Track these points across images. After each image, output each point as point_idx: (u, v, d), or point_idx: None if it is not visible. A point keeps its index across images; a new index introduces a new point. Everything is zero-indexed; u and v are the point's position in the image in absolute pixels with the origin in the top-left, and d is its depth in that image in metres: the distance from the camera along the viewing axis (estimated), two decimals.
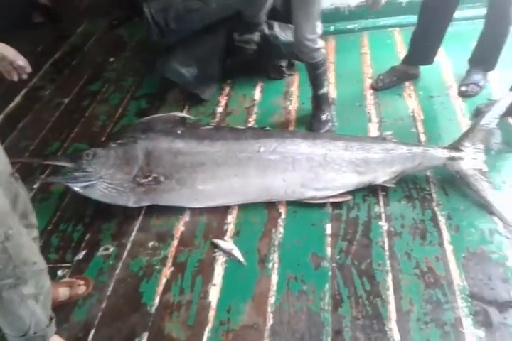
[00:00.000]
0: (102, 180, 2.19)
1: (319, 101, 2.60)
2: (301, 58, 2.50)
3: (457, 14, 2.89)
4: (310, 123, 2.62)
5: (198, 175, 2.20)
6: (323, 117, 2.59)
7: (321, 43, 2.38)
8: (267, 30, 2.87)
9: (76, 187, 2.21)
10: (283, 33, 2.88)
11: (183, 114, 2.46)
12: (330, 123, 2.60)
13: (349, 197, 2.15)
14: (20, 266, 1.42)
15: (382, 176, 2.15)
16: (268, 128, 2.50)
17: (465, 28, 3.09)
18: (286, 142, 2.23)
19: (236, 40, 2.75)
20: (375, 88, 2.85)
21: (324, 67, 2.50)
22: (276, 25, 2.88)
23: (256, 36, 2.72)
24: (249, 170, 2.18)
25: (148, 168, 2.21)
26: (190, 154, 2.23)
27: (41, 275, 1.53)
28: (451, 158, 2.12)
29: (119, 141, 2.29)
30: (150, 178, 2.18)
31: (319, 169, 2.16)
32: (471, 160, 2.11)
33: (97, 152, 2.24)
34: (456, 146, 2.15)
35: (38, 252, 1.56)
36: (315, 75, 2.51)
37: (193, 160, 2.21)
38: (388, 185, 2.14)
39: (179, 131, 2.30)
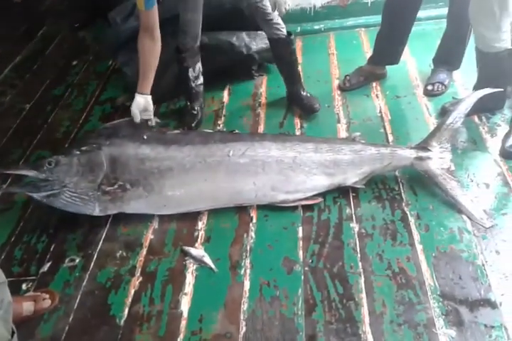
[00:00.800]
0: (65, 189, 2.11)
1: (298, 78, 2.69)
2: (275, 35, 2.49)
3: (421, 14, 2.94)
4: (297, 101, 2.69)
5: (166, 181, 2.14)
6: (307, 94, 2.69)
7: None
8: (236, 42, 2.86)
9: (39, 197, 2.13)
10: (253, 42, 2.88)
11: (148, 117, 2.39)
12: (316, 99, 2.69)
13: (320, 199, 2.14)
14: None
15: (351, 177, 2.15)
16: (237, 131, 2.47)
17: (430, 28, 3.15)
18: (255, 145, 2.20)
19: (191, 80, 2.68)
20: (343, 88, 2.85)
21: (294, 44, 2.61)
22: (244, 36, 2.87)
23: (200, 64, 2.68)
24: (218, 175, 2.15)
25: (113, 175, 2.14)
26: (157, 160, 2.17)
27: (0, 288, 1.46)
28: (419, 158, 2.13)
29: (82, 148, 2.21)
30: (116, 186, 2.12)
31: (289, 172, 2.14)
32: (438, 160, 2.13)
33: (59, 160, 2.16)
34: (423, 146, 2.17)
35: None
36: (292, 51, 2.58)
37: (161, 165, 2.15)
38: (358, 186, 2.14)
39: (145, 137, 2.24)
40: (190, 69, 2.62)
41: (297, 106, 2.71)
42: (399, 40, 2.72)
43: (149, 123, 2.33)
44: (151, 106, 2.29)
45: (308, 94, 2.69)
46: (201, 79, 2.70)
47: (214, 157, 2.16)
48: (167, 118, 2.78)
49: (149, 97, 2.27)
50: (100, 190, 2.12)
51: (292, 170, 2.14)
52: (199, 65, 2.64)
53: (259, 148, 2.18)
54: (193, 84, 2.67)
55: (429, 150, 2.14)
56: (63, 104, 3.10)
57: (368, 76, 2.85)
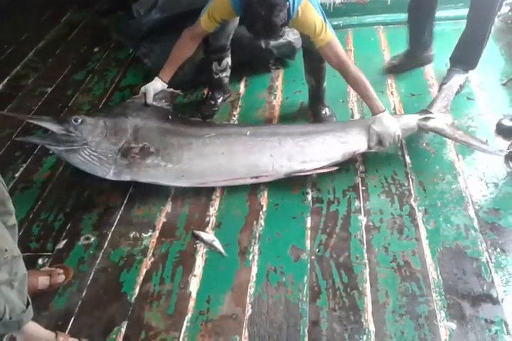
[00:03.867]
0: (86, 147, 2.16)
1: (321, 95, 2.64)
2: (312, 51, 2.46)
3: (441, 14, 2.98)
4: (315, 119, 2.64)
5: (184, 152, 2.22)
6: (327, 112, 2.64)
7: None
8: None
9: (57, 150, 2.19)
10: None
11: (172, 89, 2.47)
12: (334, 117, 2.64)
13: (335, 168, 2.21)
14: None
15: (364, 143, 2.22)
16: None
17: (448, 28, 3.17)
18: (271, 127, 2.44)
19: (214, 72, 2.73)
20: (391, 71, 2.93)
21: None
22: None
23: (229, 59, 2.73)
24: (236, 148, 2.25)
25: (135, 143, 2.22)
26: (178, 134, 2.29)
27: (14, 262, 1.52)
28: (424, 119, 2.29)
29: (109, 114, 2.31)
30: (140, 145, 2.19)
31: (304, 143, 2.24)
32: (441, 117, 2.32)
33: (86, 119, 2.23)
34: (425, 110, 2.37)
35: (10, 239, 1.55)
36: (320, 68, 2.52)
37: (181, 139, 2.26)
38: (373, 150, 2.22)
39: (170, 117, 2.37)
40: (215, 63, 2.67)
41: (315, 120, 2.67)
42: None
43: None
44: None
45: (328, 113, 2.64)
46: (228, 72, 2.75)
47: (232, 135, 2.29)
48: (184, 107, 2.83)
49: (165, 86, 2.39)
50: (120, 153, 2.17)
51: (307, 141, 2.24)
52: (227, 60, 2.69)
53: (275, 129, 2.38)
54: (216, 76, 2.73)
55: (431, 112, 2.34)
56: (84, 88, 3.16)
57: (415, 60, 2.92)
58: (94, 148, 2.17)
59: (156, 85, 2.37)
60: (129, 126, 2.26)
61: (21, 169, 2.53)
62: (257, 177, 2.22)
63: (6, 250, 1.49)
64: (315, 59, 2.47)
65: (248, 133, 2.28)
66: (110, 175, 2.18)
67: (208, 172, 2.22)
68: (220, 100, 2.80)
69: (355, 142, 2.23)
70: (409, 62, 2.93)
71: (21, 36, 3.87)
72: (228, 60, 2.70)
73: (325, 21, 2.11)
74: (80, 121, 2.20)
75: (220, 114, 2.76)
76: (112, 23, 3.70)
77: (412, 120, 2.30)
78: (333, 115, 2.63)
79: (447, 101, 2.41)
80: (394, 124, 2.18)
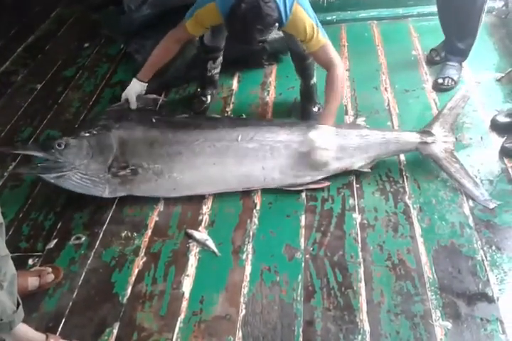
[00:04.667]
0: (75, 171, 2.15)
1: (310, 93, 2.59)
2: (292, 50, 2.45)
3: (424, 9, 3.11)
4: (303, 117, 2.58)
5: (175, 164, 2.18)
6: (316, 109, 2.58)
7: None
8: None
9: (49, 178, 2.16)
10: None
11: (155, 96, 2.46)
12: None
13: (327, 183, 2.18)
14: None
15: (358, 161, 2.18)
16: (244, 116, 2.50)
17: (436, 23, 3.07)
18: (263, 130, 2.25)
19: (208, 70, 2.68)
20: (432, 62, 2.89)
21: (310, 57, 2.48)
22: None
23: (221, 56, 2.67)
24: (227, 159, 2.19)
25: (123, 158, 2.19)
26: (166, 143, 2.22)
27: (3, 262, 1.49)
28: (423, 143, 2.18)
29: (91, 130, 2.25)
30: (128, 170, 2.16)
31: (297, 156, 2.17)
32: (442, 143, 2.19)
33: (69, 141, 2.20)
34: (427, 130, 2.23)
35: None
36: (305, 65, 2.47)
37: (170, 149, 2.20)
38: (365, 170, 2.18)
39: (154, 120, 2.28)
40: (210, 62, 2.64)
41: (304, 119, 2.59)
42: None
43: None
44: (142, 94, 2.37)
45: (317, 110, 2.57)
46: (218, 69, 2.72)
47: (223, 141, 2.20)
48: (175, 104, 2.80)
49: (145, 86, 2.35)
50: (110, 173, 2.15)
51: (300, 154, 2.17)
52: (220, 59, 2.65)
53: (267, 133, 2.23)
54: (209, 74, 2.70)
55: (433, 134, 2.20)
56: (74, 85, 3.12)
57: None
58: (84, 171, 2.15)
59: (136, 88, 2.33)
60: (114, 141, 2.21)
61: (11, 167, 2.49)
62: (248, 188, 2.20)
63: None
64: (297, 57, 2.46)
65: (239, 138, 2.20)
66: (106, 194, 2.17)
67: (199, 184, 2.19)
68: (210, 96, 2.77)
69: (348, 159, 2.18)
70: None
71: (10, 32, 3.80)
72: (221, 59, 2.66)
73: (317, 25, 2.04)
74: (63, 145, 2.17)
75: (213, 111, 2.72)
76: (103, 18, 3.62)
77: (412, 140, 2.19)
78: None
79: (452, 119, 2.28)
80: (331, 141, 2.10)
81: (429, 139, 2.19)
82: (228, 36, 2.05)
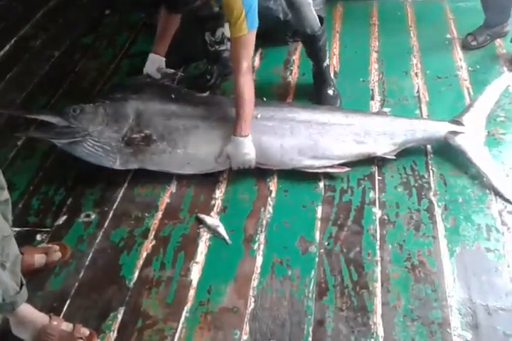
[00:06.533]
0: (88, 137, 2.09)
1: (324, 75, 2.46)
2: (302, 31, 2.33)
3: None
4: (318, 100, 2.46)
5: (190, 137, 2.11)
6: (331, 92, 2.46)
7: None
8: (274, 6, 2.69)
9: (60, 144, 2.12)
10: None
11: (173, 71, 2.35)
12: (339, 99, 2.46)
13: (347, 169, 2.08)
14: None
15: (382, 147, 2.09)
16: (265, 99, 2.38)
17: (474, 5, 2.90)
18: (284, 110, 2.18)
19: (209, 44, 2.55)
20: (468, 47, 2.76)
21: (325, 36, 2.37)
22: (282, 1, 2.67)
23: (226, 29, 2.47)
24: None
25: (138, 128, 2.13)
26: (184, 116, 2.15)
27: (5, 242, 1.44)
28: (453, 132, 2.09)
29: (109, 99, 2.20)
30: (142, 135, 2.09)
31: (318, 137, 2.10)
32: (472, 135, 2.10)
33: (85, 108, 2.15)
34: (457, 120, 2.13)
35: (1, 219, 1.47)
36: (318, 47, 2.36)
37: (187, 123, 2.13)
38: (389, 157, 2.08)
39: (173, 95, 2.21)
40: (207, 33, 2.51)
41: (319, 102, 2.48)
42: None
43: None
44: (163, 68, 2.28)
45: (332, 94, 2.46)
46: (227, 45, 2.55)
47: None
48: (185, 82, 2.65)
49: (163, 60, 2.26)
50: (124, 142, 2.09)
51: (321, 135, 2.10)
52: (222, 30, 2.51)
53: (288, 113, 2.16)
54: (212, 49, 2.57)
55: (463, 124, 2.10)
56: (92, 53, 3.02)
57: (492, 34, 2.74)
58: (97, 138, 2.09)
59: (155, 62, 2.25)
60: (131, 111, 2.15)
61: (24, 137, 2.42)
62: (264, 164, 2.10)
63: None
64: (308, 39, 2.35)
65: (259, 116, 2.12)
66: (117, 165, 2.11)
67: (214, 159, 2.10)
68: (215, 75, 2.64)
69: (372, 144, 2.09)
70: (488, 35, 2.74)
71: None
72: (224, 31, 2.51)
73: (246, 14, 1.88)
74: (78, 110, 2.13)
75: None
76: None
77: (441, 130, 2.11)
78: (338, 96, 2.47)
79: (486, 109, 2.19)
80: (250, 152, 2.01)
81: (458, 129, 2.09)
82: None
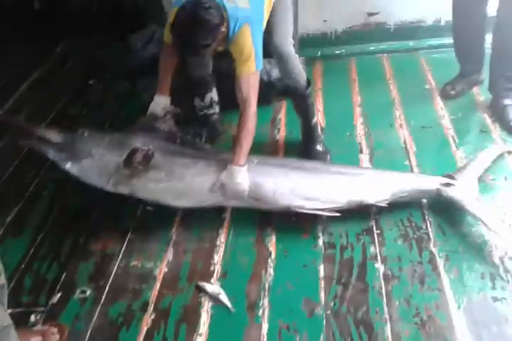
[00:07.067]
0: (89, 157, 2.17)
1: (313, 132, 2.51)
2: (292, 86, 2.39)
3: (435, 41, 3.01)
4: (307, 157, 2.48)
5: (189, 170, 2.14)
6: (320, 148, 2.50)
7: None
8: None
9: (57, 158, 2.20)
10: (274, 69, 2.78)
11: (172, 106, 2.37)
12: (328, 154, 2.50)
13: (337, 214, 2.07)
14: None
15: (375, 195, 2.08)
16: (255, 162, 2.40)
17: (449, 55, 2.98)
18: (278, 159, 2.35)
19: (198, 108, 2.62)
20: (447, 97, 2.82)
21: (311, 96, 2.44)
22: (265, 62, 2.76)
23: (214, 94, 2.60)
24: None
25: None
26: (185, 155, 2.21)
27: (4, 333, 1.38)
28: (445, 184, 2.09)
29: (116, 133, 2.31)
30: (145, 148, 2.12)
31: (312, 180, 2.13)
32: (464, 186, 2.10)
33: (92, 133, 2.27)
34: (450, 175, 2.15)
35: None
36: (306, 106, 2.42)
37: (187, 160, 2.18)
38: (382, 205, 2.06)
39: (178, 140, 2.32)
40: (197, 99, 2.58)
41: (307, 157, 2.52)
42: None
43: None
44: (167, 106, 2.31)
45: (321, 150, 2.51)
46: (215, 109, 2.64)
47: None
48: None
49: (168, 99, 2.29)
50: (123, 162, 2.11)
51: (315, 179, 2.14)
52: (211, 95, 2.58)
53: (283, 161, 2.32)
54: (201, 113, 2.63)
55: (455, 179, 2.12)
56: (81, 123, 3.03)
57: (469, 83, 2.81)
58: (96, 159, 2.17)
59: (160, 102, 2.27)
60: (134, 142, 2.20)
61: (13, 213, 2.39)
62: (256, 200, 2.10)
63: None
64: (298, 97, 2.42)
65: (256, 161, 2.17)
66: (109, 186, 2.13)
67: (208, 188, 2.10)
68: (204, 138, 2.67)
69: (365, 191, 2.09)
70: (465, 84, 2.83)
71: (13, 69, 3.74)
72: (213, 95, 2.58)
73: (256, 55, 1.97)
74: (86, 134, 2.26)
75: (224, 147, 2.61)
76: (108, 55, 3.58)
77: (433, 183, 2.11)
78: (327, 152, 2.50)
79: (479, 170, 2.21)
80: (244, 182, 2.05)
81: (450, 181, 2.10)
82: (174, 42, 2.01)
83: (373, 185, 2.11)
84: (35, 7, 4.19)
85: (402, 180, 2.13)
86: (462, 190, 2.08)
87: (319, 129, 2.56)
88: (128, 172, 2.10)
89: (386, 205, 2.07)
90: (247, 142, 2.07)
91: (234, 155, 2.06)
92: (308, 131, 2.51)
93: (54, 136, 2.23)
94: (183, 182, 2.11)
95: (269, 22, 2.13)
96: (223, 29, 1.91)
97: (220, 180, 2.06)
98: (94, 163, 2.15)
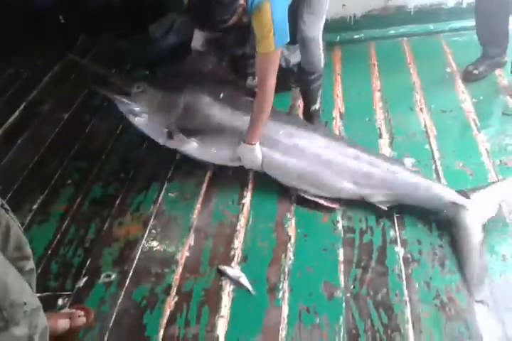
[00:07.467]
0: (143, 114, 2.36)
1: (310, 118, 2.53)
2: (305, 63, 2.39)
3: (456, 24, 2.91)
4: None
5: (215, 140, 2.30)
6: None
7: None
8: None
9: (121, 108, 2.40)
10: (292, 55, 2.77)
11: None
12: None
13: (336, 206, 2.12)
14: (8, 308, 1.33)
15: (377, 195, 2.06)
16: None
17: (470, 38, 2.94)
18: (304, 134, 2.26)
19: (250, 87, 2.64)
20: (470, 79, 2.78)
21: (318, 83, 2.43)
22: (284, 49, 2.72)
23: None
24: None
25: (182, 122, 2.33)
26: (223, 121, 2.32)
27: (34, 314, 1.43)
28: (455, 203, 1.92)
29: (165, 85, 2.43)
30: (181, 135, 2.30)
31: (321, 167, 2.15)
32: (475, 213, 1.89)
33: (146, 89, 2.38)
34: (465, 192, 1.94)
35: (29, 290, 1.46)
36: (309, 90, 2.45)
37: (223, 124, 2.31)
38: (381, 207, 2.04)
39: (221, 95, 2.36)
40: (250, 78, 2.68)
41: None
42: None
43: None
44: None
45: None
46: None
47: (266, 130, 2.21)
48: None
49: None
50: (167, 133, 2.32)
51: (324, 166, 2.14)
52: None
53: (305, 135, 2.26)
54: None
55: (469, 198, 1.91)
56: (101, 114, 3.09)
57: (492, 64, 2.77)
58: (149, 118, 2.36)
59: (200, 35, 2.34)
60: (181, 104, 2.34)
61: (38, 201, 2.45)
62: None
63: (25, 303, 1.40)
64: (302, 80, 2.45)
65: (281, 132, 2.24)
66: (162, 142, 2.37)
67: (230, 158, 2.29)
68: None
69: (368, 189, 2.08)
70: (488, 65, 2.78)
71: (36, 61, 3.82)
72: None
73: (275, 32, 1.92)
74: (141, 88, 2.38)
75: None
76: (129, 46, 3.61)
77: (445, 197, 1.95)
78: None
79: (502, 194, 1.94)
80: (256, 159, 2.19)
81: (462, 201, 1.91)
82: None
83: (380, 186, 2.06)
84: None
85: (413, 187, 2.02)
86: (470, 216, 1.88)
87: (318, 117, 2.57)
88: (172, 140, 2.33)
89: (385, 208, 2.04)
90: (260, 123, 2.12)
91: (247, 133, 2.14)
92: (307, 115, 2.54)
93: (118, 98, 2.39)
94: (210, 152, 2.32)
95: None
96: (241, 1, 1.88)
97: (237, 154, 2.22)
98: (146, 121, 2.36)
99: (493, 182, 2.04)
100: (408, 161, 2.24)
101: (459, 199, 1.92)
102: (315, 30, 2.23)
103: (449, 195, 1.95)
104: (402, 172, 2.08)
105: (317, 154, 2.17)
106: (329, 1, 2.18)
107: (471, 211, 1.89)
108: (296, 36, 2.23)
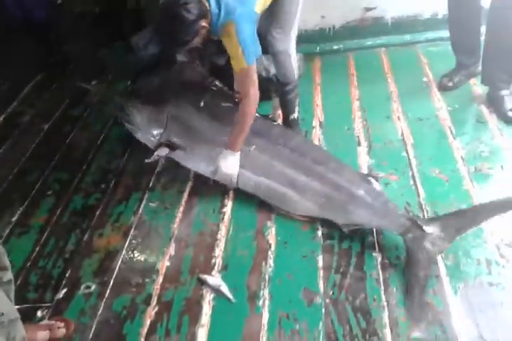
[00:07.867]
0: (138, 130, 2.47)
1: (290, 127, 2.56)
2: (279, 76, 2.44)
3: (442, 34, 2.90)
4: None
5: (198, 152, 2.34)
6: None
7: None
8: None
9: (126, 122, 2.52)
10: (272, 65, 2.76)
11: None
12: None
13: (306, 219, 2.15)
14: None
15: (339, 218, 2.05)
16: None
17: (446, 48, 2.98)
18: (274, 148, 2.26)
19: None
20: (445, 89, 2.83)
21: (295, 93, 2.47)
22: (263, 59, 2.78)
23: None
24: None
25: (168, 135, 2.40)
26: (210, 133, 2.36)
27: (11, 325, 1.43)
28: (412, 230, 1.87)
29: (151, 102, 2.49)
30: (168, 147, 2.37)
31: (286, 188, 2.16)
32: (432, 241, 1.84)
33: (134, 110, 2.49)
34: (421, 224, 1.86)
35: (6, 301, 1.46)
36: (286, 100, 2.50)
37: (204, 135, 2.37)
38: (344, 230, 2.01)
39: (202, 104, 2.41)
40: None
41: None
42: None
43: None
44: None
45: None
46: None
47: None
48: None
49: None
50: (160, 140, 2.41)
51: (291, 186, 2.16)
52: None
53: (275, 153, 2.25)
54: None
55: (427, 227, 1.85)
56: (81, 124, 3.08)
57: (466, 74, 2.82)
58: (143, 132, 2.45)
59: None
60: (166, 118, 2.42)
61: (18, 213, 2.44)
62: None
63: (3, 314, 1.41)
64: (279, 90, 2.49)
65: (253, 148, 2.26)
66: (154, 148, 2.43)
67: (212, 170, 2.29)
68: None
69: (331, 211, 2.08)
70: (462, 75, 2.84)
71: (17, 72, 3.80)
72: None
73: (243, 50, 1.96)
74: (130, 109, 2.50)
75: None
76: (109, 54, 3.62)
77: (398, 225, 1.90)
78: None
79: (455, 227, 1.85)
80: (234, 169, 2.20)
81: (419, 230, 1.85)
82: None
83: (341, 210, 2.05)
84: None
85: (370, 215, 1.98)
86: (427, 245, 1.82)
87: (297, 125, 2.61)
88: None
89: (346, 231, 2.01)
90: (243, 132, 2.14)
91: (231, 142, 2.17)
92: (287, 124, 2.58)
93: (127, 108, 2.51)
94: (193, 162, 2.37)
95: (271, 10, 2.16)
96: (204, 24, 1.93)
97: (217, 163, 2.21)
98: (142, 135, 2.46)
99: (452, 212, 1.94)
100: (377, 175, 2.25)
101: (416, 227, 1.87)
102: (285, 43, 2.28)
103: (406, 221, 1.90)
104: (366, 195, 2.04)
105: (283, 173, 2.18)
106: (302, 14, 2.23)
107: (429, 238, 1.83)
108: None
